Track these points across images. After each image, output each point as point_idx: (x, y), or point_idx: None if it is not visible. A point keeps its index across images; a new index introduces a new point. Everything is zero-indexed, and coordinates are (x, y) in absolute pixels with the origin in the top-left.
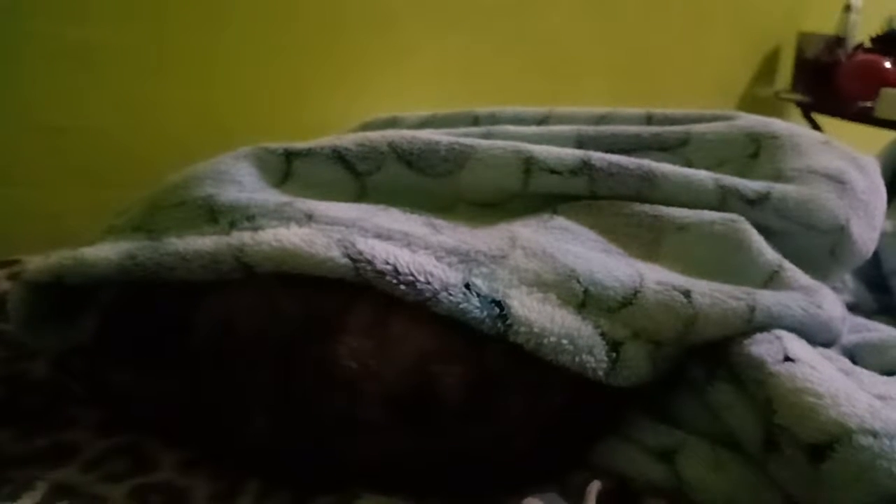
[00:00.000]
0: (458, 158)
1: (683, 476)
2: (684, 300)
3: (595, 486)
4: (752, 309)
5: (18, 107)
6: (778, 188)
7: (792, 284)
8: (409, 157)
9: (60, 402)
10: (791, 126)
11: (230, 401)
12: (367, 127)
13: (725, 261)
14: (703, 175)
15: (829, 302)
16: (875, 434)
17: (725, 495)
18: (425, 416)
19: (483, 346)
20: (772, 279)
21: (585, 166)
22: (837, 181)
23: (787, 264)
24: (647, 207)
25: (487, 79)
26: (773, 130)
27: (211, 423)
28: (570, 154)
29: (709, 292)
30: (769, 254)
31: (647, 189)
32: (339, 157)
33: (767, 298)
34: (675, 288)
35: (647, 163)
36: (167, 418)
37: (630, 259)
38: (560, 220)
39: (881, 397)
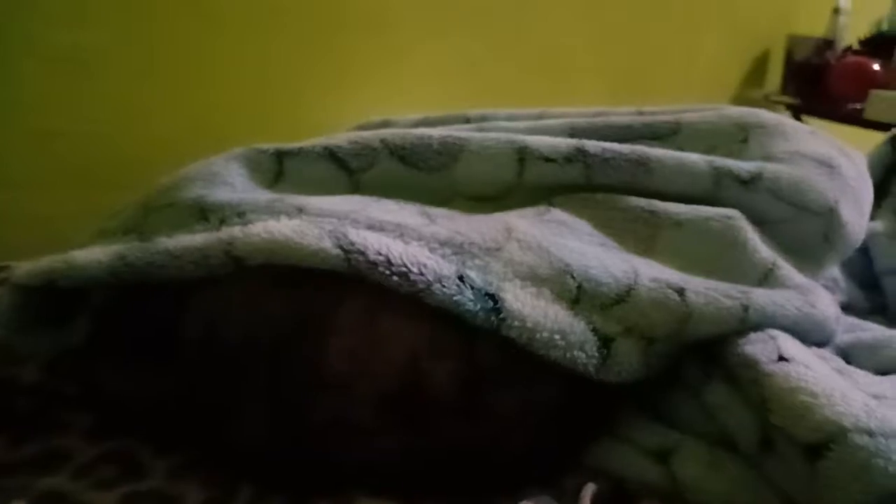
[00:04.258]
0: (451, 151)
1: (679, 477)
2: (678, 298)
3: (590, 489)
4: (746, 308)
5: (12, 110)
6: (770, 168)
7: (786, 283)
8: (402, 153)
9: (51, 407)
10: (778, 116)
11: (221, 403)
12: (360, 129)
13: (721, 258)
14: (696, 157)
15: (824, 301)
16: (870, 433)
17: (722, 496)
18: (417, 414)
19: (474, 342)
20: (766, 277)
21: (580, 152)
22: (826, 164)
23: (782, 262)
24: (643, 202)
25: (484, 80)
26: (761, 119)
27: (203, 426)
28: (564, 142)
29: (703, 291)
30: (764, 251)
31: (643, 174)
32: (332, 154)
33: (762, 297)
34: (669, 286)
35: (641, 147)
36: (160, 421)
37: (626, 254)
38: (556, 213)
39: (876, 397)
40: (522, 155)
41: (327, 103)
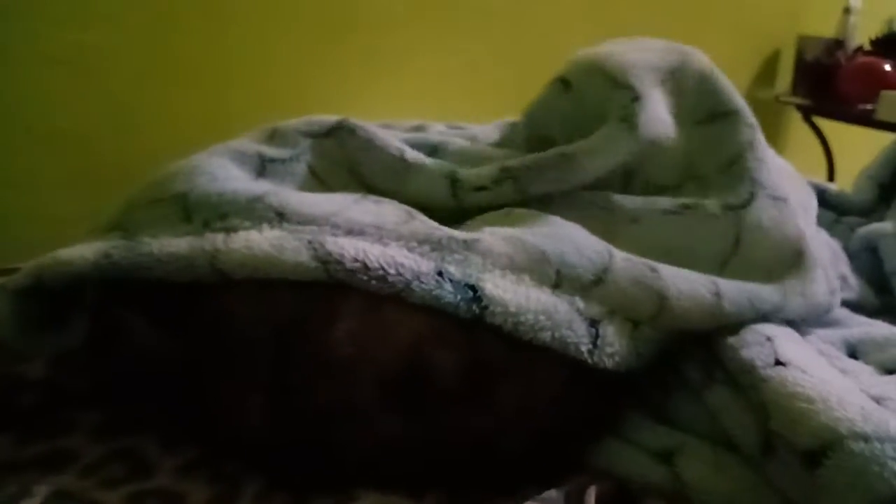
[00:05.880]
0: (399, 175)
1: (683, 477)
2: (652, 274)
3: (593, 490)
4: (715, 283)
5: (17, 110)
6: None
7: (754, 253)
8: (363, 179)
9: (58, 406)
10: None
11: (228, 389)
12: None
13: (682, 245)
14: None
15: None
16: (866, 438)
17: (725, 497)
18: (419, 400)
19: (477, 332)
20: (735, 252)
21: (504, 171)
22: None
23: (745, 225)
24: (597, 199)
25: (487, 81)
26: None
27: (209, 414)
28: (487, 168)
29: (674, 270)
30: (723, 228)
31: (568, 168)
32: (310, 167)
33: (728, 284)
34: (643, 263)
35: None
36: (168, 403)
37: (597, 238)
38: (519, 211)
39: (879, 398)
40: (455, 188)
41: (333, 103)
